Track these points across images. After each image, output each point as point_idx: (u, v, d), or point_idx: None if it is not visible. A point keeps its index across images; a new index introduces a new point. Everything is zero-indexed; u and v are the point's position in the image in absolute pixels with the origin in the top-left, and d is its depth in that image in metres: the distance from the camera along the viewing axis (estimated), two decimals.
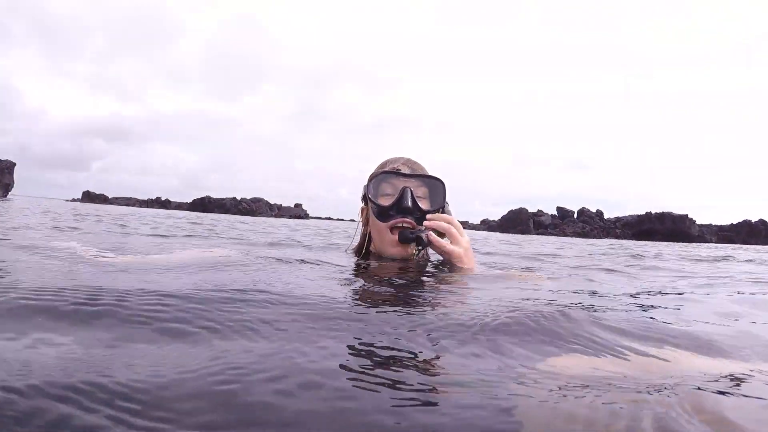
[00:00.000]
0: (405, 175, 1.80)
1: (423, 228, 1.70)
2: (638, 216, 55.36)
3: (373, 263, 1.78)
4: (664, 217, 53.33)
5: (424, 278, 1.46)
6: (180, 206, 67.79)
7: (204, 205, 62.95)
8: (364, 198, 1.89)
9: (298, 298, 0.95)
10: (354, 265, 1.71)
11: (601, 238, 46.28)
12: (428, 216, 1.72)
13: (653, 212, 54.61)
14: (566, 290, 1.54)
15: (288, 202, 71.00)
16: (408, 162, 1.89)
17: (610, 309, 1.19)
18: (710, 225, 55.20)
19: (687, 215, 53.44)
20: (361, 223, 1.99)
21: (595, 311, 1.09)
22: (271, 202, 68.23)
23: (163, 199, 75.44)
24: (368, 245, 1.92)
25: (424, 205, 1.76)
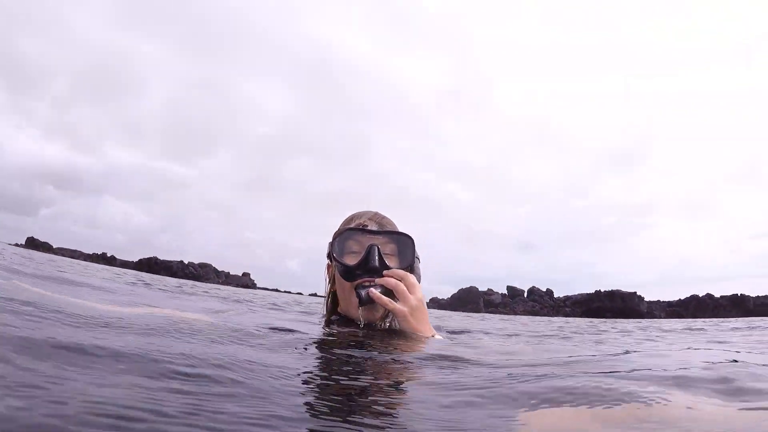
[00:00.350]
0: (372, 232, 1.68)
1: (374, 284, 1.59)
2: (588, 294, 55.79)
3: (331, 331, 1.64)
4: (613, 295, 54.06)
5: (364, 348, 1.30)
6: (125, 264, 65.35)
7: (150, 265, 60.86)
8: (330, 255, 1.73)
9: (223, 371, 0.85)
10: (308, 334, 1.52)
11: (551, 316, 45.81)
12: (385, 272, 1.60)
13: (603, 290, 54.99)
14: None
15: (235, 270, 69.93)
16: (375, 217, 1.78)
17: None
18: (659, 301, 55.83)
19: (636, 293, 54.37)
20: (327, 282, 1.86)
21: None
22: (219, 269, 67.13)
23: (108, 255, 73.04)
24: (335, 306, 1.81)
25: (392, 263, 1.65)
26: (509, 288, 58.54)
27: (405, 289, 1.55)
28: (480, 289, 57.35)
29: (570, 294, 58.10)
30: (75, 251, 71.03)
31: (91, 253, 72.43)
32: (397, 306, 1.53)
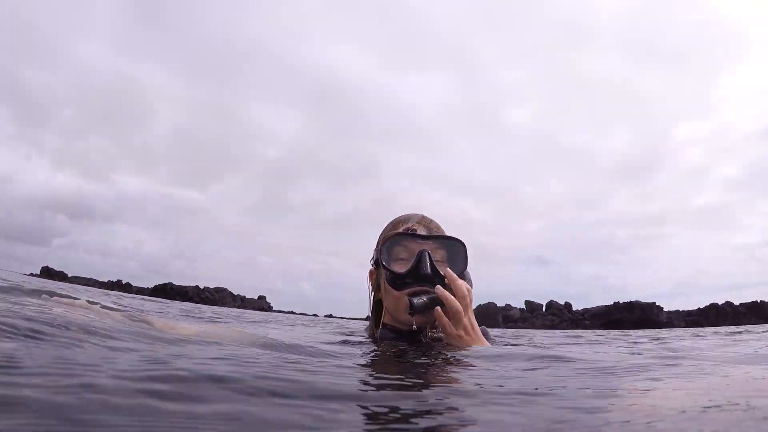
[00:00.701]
0: (422, 237, 1.58)
1: (427, 298, 1.47)
2: (606, 306, 55.54)
3: (381, 344, 1.55)
4: (632, 306, 53.63)
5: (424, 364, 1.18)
6: (141, 291, 64.08)
7: (166, 291, 60.27)
8: (376, 262, 1.65)
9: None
10: (357, 348, 1.45)
11: (570, 329, 45.68)
12: (448, 276, 1.49)
13: (621, 302, 54.73)
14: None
15: (250, 294, 68.97)
16: (423, 221, 1.67)
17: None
18: (678, 311, 55.35)
19: (654, 303, 53.89)
20: (371, 290, 1.74)
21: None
22: (234, 293, 65.05)
23: (123, 282, 70.25)
24: (382, 314, 1.66)
25: (443, 270, 1.53)
26: (527, 303, 58.22)
27: (461, 311, 1.46)
28: (498, 305, 57.31)
29: (588, 307, 57.94)
30: (90, 279, 66.69)
31: (106, 280, 69.33)
32: (453, 331, 1.46)
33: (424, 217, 1.69)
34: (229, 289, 64.97)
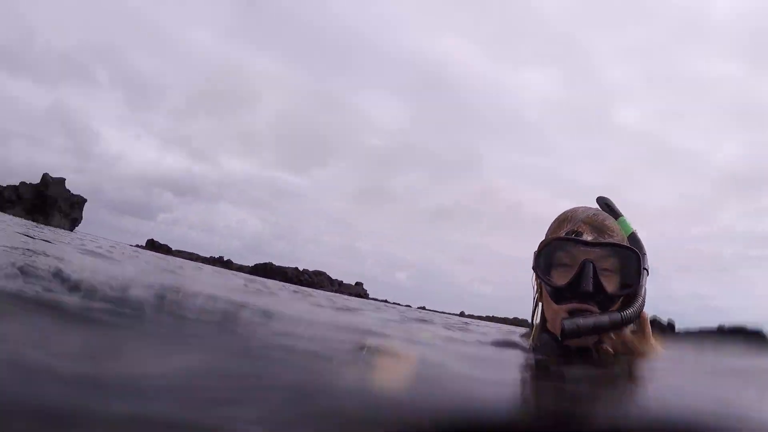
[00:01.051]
0: (587, 244, 1.32)
1: (582, 325, 1.22)
2: (711, 329, 55.56)
3: (542, 356, 1.40)
4: (738, 332, 53.47)
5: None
6: (241, 268, 66.41)
7: (266, 270, 62.30)
8: (535, 270, 1.43)
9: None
10: (517, 359, 1.42)
11: None
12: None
13: (726, 326, 54.84)
14: None
15: (347, 280, 69.18)
16: (593, 220, 1.39)
17: None
18: None
19: (762, 330, 53.37)
20: (535, 292, 1.52)
21: None
22: (332, 277, 66.82)
23: (225, 259, 74.44)
24: (545, 321, 1.48)
25: (610, 283, 1.30)
26: None
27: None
28: None
29: (690, 327, 57.91)
30: (192, 254, 72.54)
31: (208, 256, 73.69)
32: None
33: (596, 214, 1.43)
34: (327, 273, 67.09)
